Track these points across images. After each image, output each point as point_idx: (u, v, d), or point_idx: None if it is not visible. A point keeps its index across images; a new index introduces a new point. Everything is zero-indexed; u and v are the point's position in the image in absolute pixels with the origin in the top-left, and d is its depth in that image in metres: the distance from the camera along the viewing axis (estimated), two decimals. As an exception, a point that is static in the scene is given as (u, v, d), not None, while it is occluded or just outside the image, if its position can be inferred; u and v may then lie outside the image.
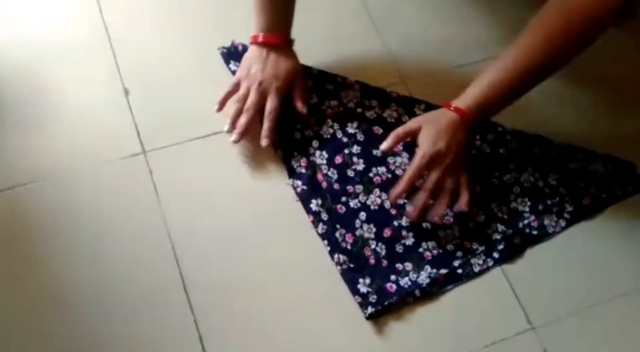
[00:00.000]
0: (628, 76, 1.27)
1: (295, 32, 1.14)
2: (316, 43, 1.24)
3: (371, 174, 1.13)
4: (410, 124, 1.07)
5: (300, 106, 1.14)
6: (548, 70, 1.04)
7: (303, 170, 1.12)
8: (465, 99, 1.04)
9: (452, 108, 1.04)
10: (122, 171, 1.11)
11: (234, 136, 1.11)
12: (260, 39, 1.12)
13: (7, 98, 1.16)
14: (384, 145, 1.07)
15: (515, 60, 1.02)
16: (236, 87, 1.14)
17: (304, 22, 1.20)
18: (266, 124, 1.11)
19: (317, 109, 1.17)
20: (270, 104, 1.11)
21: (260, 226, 1.09)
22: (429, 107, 1.18)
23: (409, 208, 1.07)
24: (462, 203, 1.05)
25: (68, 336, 0.99)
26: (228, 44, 1.22)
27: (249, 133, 1.12)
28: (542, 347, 1.02)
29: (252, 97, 1.11)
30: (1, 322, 0.99)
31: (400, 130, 1.07)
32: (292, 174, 1.12)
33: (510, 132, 1.17)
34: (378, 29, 1.28)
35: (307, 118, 1.15)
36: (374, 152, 1.14)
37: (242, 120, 1.11)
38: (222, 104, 1.14)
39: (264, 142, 1.11)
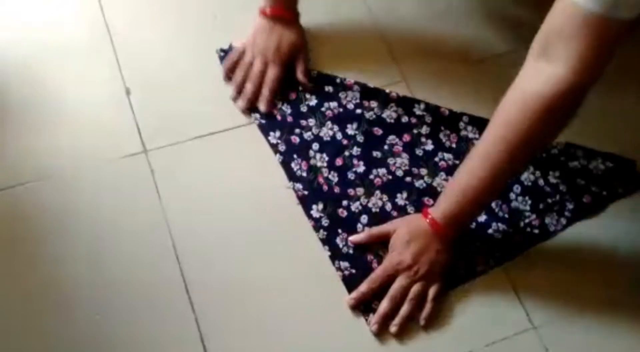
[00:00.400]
0: (628, 73, 1.26)
1: None
2: (315, 42, 1.24)
3: (372, 176, 1.13)
4: (387, 226, 1.07)
5: (301, 77, 1.19)
6: (518, 167, 1.02)
7: (304, 174, 1.12)
8: (441, 211, 1.01)
9: (428, 219, 1.02)
10: (123, 170, 1.11)
11: (240, 102, 1.17)
12: (267, 12, 1.17)
13: (8, 97, 1.17)
14: (354, 238, 1.07)
15: (483, 170, 0.96)
16: (241, 54, 1.19)
17: (303, 21, 1.22)
18: (265, 91, 1.17)
19: (316, 111, 1.18)
20: (270, 74, 1.17)
21: (262, 226, 1.09)
22: (428, 107, 1.18)
23: (374, 318, 1.02)
24: (422, 316, 1.02)
25: (68, 335, 0.99)
26: (226, 46, 1.23)
27: (255, 101, 1.17)
28: (543, 347, 1.02)
29: (255, 66, 1.17)
30: (1, 322, 1.00)
31: (375, 230, 1.07)
32: (292, 177, 1.12)
33: (511, 131, 1.17)
34: (379, 27, 1.28)
35: (306, 86, 1.19)
36: (374, 153, 1.15)
37: (248, 87, 1.17)
38: (228, 72, 1.19)
39: (262, 107, 1.16)
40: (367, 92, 1.19)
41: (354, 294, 1.02)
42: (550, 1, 0.87)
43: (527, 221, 1.11)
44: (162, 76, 1.20)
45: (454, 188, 1.01)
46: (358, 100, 1.19)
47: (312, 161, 1.13)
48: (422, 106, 1.19)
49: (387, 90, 1.20)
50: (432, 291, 1.03)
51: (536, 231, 1.10)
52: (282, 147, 1.14)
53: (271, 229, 1.09)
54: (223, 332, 1.01)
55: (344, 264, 1.06)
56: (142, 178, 1.11)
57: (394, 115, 1.18)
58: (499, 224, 1.10)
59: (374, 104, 1.19)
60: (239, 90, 1.18)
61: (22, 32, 1.23)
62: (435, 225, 1.01)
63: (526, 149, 0.94)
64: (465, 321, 1.04)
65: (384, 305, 1.02)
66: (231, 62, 1.19)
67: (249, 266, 1.06)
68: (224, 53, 1.22)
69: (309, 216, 1.09)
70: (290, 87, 1.19)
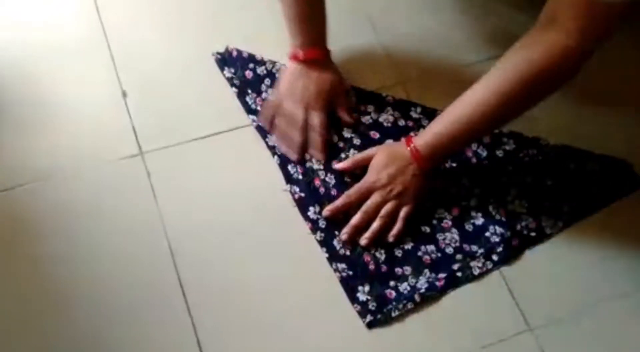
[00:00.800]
0: (623, 76, 1.28)
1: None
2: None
3: (368, 179, 1.14)
4: (369, 151, 1.12)
5: (345, 117, 1.17)
6: (509, 115, 1.05)
7: (300, 177, 1.13)
8: (424, 140, 1.07)
9: (410, 146, 1.07)
10: (120, 172, 1.12)
11: (293, 155, 1.14)
12: (300, 56, 1.13)
13: (4, 99, 1.17)
14: (339, 165, 1.13)
15: (471, 110, 1.02)
16: (277, 103, 1.15)
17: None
18: (317, 138, 1.14)
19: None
20: (317, 120, 1.14)
21: (258, 228, 1.09)
22: (425, 110, 1.19)
23: (345, 228, 1.09)
24: (391, 233, 1.08)
25: (65, 337, 1.00)
26: (222, 49, 1.23)
27: (305, 148, 1.15)
28: (539, 348, 1.03)
29: (299, 116, 1.13)
30: (-1, 322, 1.01)
31: (358, 156, 1.13)
32: (289, 179, 1.13)
33: (507, 134, 1.18)
34: (375, 29, 1.29)
35: (350, 123, 1.17)
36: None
37: (296, 139, 1.14)
38: (268, 121, 1.15)
39: (319, 157, 1.14)
40: (364, 97, 1.20)
41: (330, 206, 1.09)
42: (543, 3, 0.92)
43: (524, 223, 1.11)
44: (159, 78, 1.20)
45: (442, 121, 1.06)
46: (354, 105, 1.19)
47: (308, 164, 1.14)
48: (419, 109, 1.19)
49: (384, 94, 1.20)
50: (403, 211, 1.09)
51: (533, 234, 1.11)
52: (278, 150, 1.14)
53: (268, 231, 1.09)
54: (219, 334, 1.01)
55: (342, 266, 1.06)
56: (139, 180, 1.11)
57: (391, 119, 1.19)
58: (496, 227, 1.11)
59: (370, 107, 1.19)
60: (284, 140, 1.15)
61: (19, 33, 1.23)
62: (415, 152, 1.07)
63: (521, 106, 1.02)
64: (462, 322, 1.04)
65: (356, 217, 1.09)
66: (269, 110, 1.16)
67: (246, 268, 1.06)
68: (220, 56, 1.22)
69: (306, 218, 1.10)
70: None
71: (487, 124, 1.05)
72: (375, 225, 1.08)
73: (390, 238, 1.08)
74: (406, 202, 1.09)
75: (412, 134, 1.10)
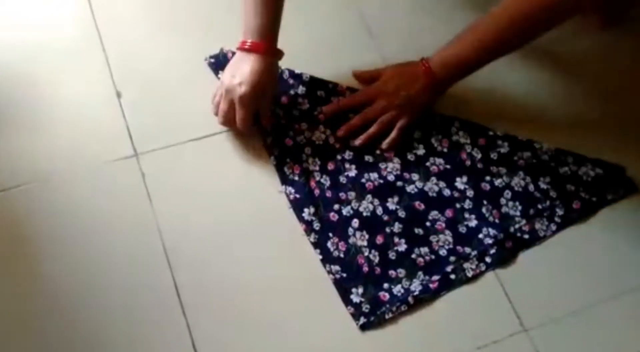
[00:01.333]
0: (618, 79, 1.29)
1: (289, 37, 1.15)
2: (308, 48, 1.25)
3: (363, 180, 1.14)
4: (380, 69, 1.19)
5: (264, 123, 1.15)
6: (522, 40, 1.10)
7: (296, 178, 1.13)
8: (438, 59, 1.11)
9: (424, 67, 1.12)
10: (115, 174, 1.12)
11: (222, 122, 1.14)
12: (246, 46, 1.10)
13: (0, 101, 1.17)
14: (357, 72, 1.20)
15: (484, 35, 1.07)
16: (220, 86, 1.13)
17: (297, 27, 1.22)
18: (241, 112, 1.10)
19: (309, 116, 1.19)
20: (237, 116, 1.11)
21: (253, 229, 1.10)
22: (420, 112, 1.20)
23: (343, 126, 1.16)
24: (385, 141, 1.14)
25: (60, 337, 1.00)
26: (216, 51, 1.23)
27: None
28: (534, 349, 1.03)
29: (221, 106, 1.12)
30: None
31: (367, 72, 1.20)
32: (285, 181, 1.13)
33: (501, 136, 1.19)
34: (371, 33, 1.29)
35: (266, 131, 1.16)
36: (366, 158, 1.16)
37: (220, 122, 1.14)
38: (217, 107, 1.14)
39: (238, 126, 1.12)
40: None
41: (333, 103, 1.17)
42: None
43: (517, 226, 1.12)
44: (154, 79, 1.21)
45: (454, 44, 1.10)
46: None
47: (304, 165, 1.14)
48: None
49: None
50: (401, 121, 1.14)
51: (526, 236, 1.12)
52: (275, 151, 1.15)
53: (263, 233, 1.10)
54: (214, 334, 1.01)
55: (335, 268, 1.07)
56: (133, 182, 1.11)
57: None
58: (490, 229, 1.12)
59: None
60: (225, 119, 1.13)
61: (14, 35, 1.23)
62: (427, 68, 1.11)
63: (531, 27, 1.06)
64: (457, 323, 1.05)
65: (355, 119, 1.15)
66: (215, 97, 1.15)
67: (240, 269, 1.07)
68: (213, 59, 1.22)
69: (301, 219, 1.10)
70: (282, 92, 1.20)
71: (501, 46, 1.09)
72: (372, 129, 1.14)
73: (384, 145, 1.14)
74: (405, 114, 1.14)
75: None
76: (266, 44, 1.10)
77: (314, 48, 1.26)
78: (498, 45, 1.08)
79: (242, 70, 1.09)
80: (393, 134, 1.14)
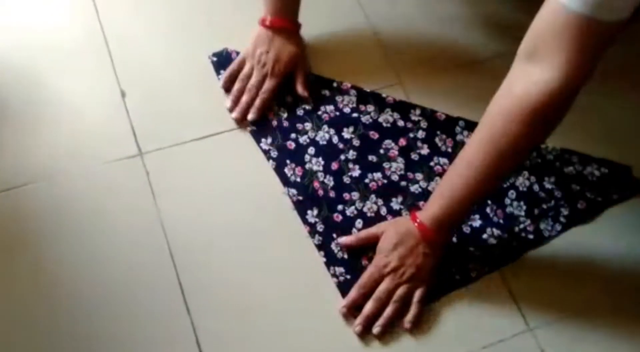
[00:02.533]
0: (622, 78, 1.29)
1: None
2: (312, 46, 1.26)
3: (367, 180, 1.15)
4: (375, 229, 1.09)
5: (300, 90, 1.20)
6: (505, 173, 1.01)
7: (298, 179, 1.14)
8: (429, 214, 1.03)
9: (416, 223, 1.04)
10: (119, 173, 1.13)
11: (234, 114, 1.19)
12: (267, 22, 1.19)
13: (4, 100, 1.18)
14: (343, 240, 1.10)
15: (471, 171, 0.97)
16: (241, 65, 1.21)
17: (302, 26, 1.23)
18: (257, 102, 1.18)
19: (313, 115, 1.20)
20: (266, 85, 1.19)
21: (258, 230, 1.10)
22: (424, 111, 1.21)
23: (358, 319, 1.04)
24: (407, 319, 1.04)
25: (64, 336, 1.01)
26: (219, 49, 1.25)
27: (249, 112, 1.18)
28: (539, 349, 1.04)
29: (254, 78, 1.19)
30: (-1, 322, 1.01)
31: (363, 233, 1.09)
32: (287, 182, 1.14)
33: (506, 136, 1.20)
34: (375, 29, 1.30)
35: (307, 99, 1.21)
36: (370, 158, 1.17)
37: (244, 98, 1.19)
38: (227, 82, 1.21)
39: (250, 115, 1.18)
40: (363, 97, 1.22)
41: (345, 301, 1.05)
42: (542, 3, 0.88)
43: (521, 226, 1.13)
44: (158, 78, 1.22)
45: (442, 192, 1.02)
46: (354, 105, 1.21)
47: (307, 166, 1.15)
48: (418, 111, 1.21)
49: (384, 95, 1.22)
50: (417, 294, 1.04)
51: (531, 236, 1.12)
52: (274, 154, 1.16)
53: (267, 233, 1.10)
54: (218, 334, 1.02)
55: (339, 270, 1.08)
56: (138, 181, 1.12)
57: (390, 119, 1.20)
58: (494, 229, 1.12)
59: (370, 108, 1.21)
60: (236, 101, 1.19)
61: (19, 35, 1.25)
62: (423, 229, 1.03)
63: (512, 155, 0.94)
64: (462, 323, 1.05)
65: (368, 306, 1.04)
66: (231, 72, 1.21)
67: (245, 270, 1.07)
68: (216, 58, 1.24)
69: (305, 221, 1.11)
70: (286, 91, 1.21)
71: (485, 184, 0.98)
72: (389, 311, 1.03)
73: (407, 325, 1.04)
74: (419, 284, 1.05)
75: (416, 211, 1.06)
76: (287, 20, 1.19)
77: (317, 46, 1.27)
78: (482, 183, 0.98)
79: (274, 43, 1.19)
80: (414, 310, 1.04)
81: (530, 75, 0.88)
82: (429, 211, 1.03)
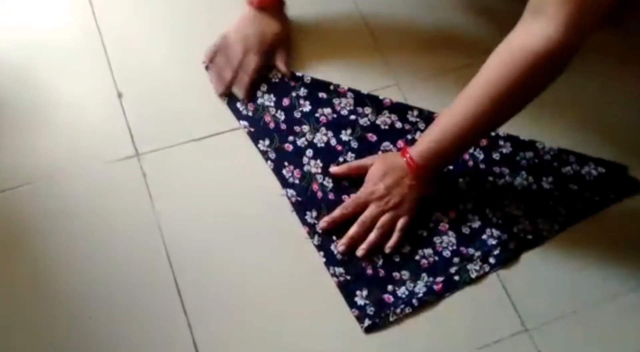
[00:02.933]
0: (618, 79, 1.30)
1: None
2: (309, 48, 1.27)
3: (366, 182, 1.16)
4: (365, 160, 1.15)
5: (281, 66, 1.23)
6: (500, 119, 1.05)
7: (297, 181, 1.15)
8: (419, 150, 1.08)
9: (406, 157, 1.09)
10: (116, 174, 1.13)
11: (218, 87, 1.21)
12: (254, 2, 1.21)
13: (1, 100, 1.19)
14: (334, 169, 1.16)
15: (464, 113, 1.02)
16: (224, 41, 1.23)
17: (296, 27, 1.25)
18: (244, 77, 1.20)
19: (310, 117, 1.20)
20: (250, 61, 1.20)
21: (256, 231, 1.11)
22: (422, 113, 1.22)
23: (342, 239, 1.11)
24: (388, 245, 1.10)
25: (60, 337, 1.01)
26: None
27: (231, 85, 1.20)
28: (536, 349, 1.04)
29: (235, 53, 1.21)
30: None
31: (354, 163, 1.16)
32: (285, 183, 1.15)
33: (503, 136, 1.20)
34: (372, 31, 1.30)
35: (286, 74, 1.23)
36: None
37: (226, 75, 1.20)
38: (210, 58, 1.23)
39: (239, 92, 1.20)
40: (361, 99, 1.22)
41: (327, 217, 1.11)
42: None
43: (520, 226, 1.13)
44: (154, 79, 1.22)
45: (435, 130, 1.06)
46: (352, 107, 1.22)
47: (305, 168, 1.16)
48: (416, 112, 1.22)
49: (381, 97, 1.22)
50: (400, 222, 1.10)
51: (530, 237, 1.13)
52: (272, 155, 1.17)
53: (265, 234, 1.11)
54: (216, 335, 1.03)
55: (339, 270, 1.08)
56: (134, 182, 1.13)
57: (388, 121, 1.21)
58: (493, 230, 1.13)
59: (367, 110, 1.22)
60: (218, 76, 1.21)
61: (16, 37, 1.25)
62: (412, 162, 1.08)
63: (506, 103, 0.99)
64: (459, 324, 1.06)
65: (353, 229, 1.10)
66: (214, 48, 1.23)
67: (242, 270, 1.08)
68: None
69: (304, 222, 1.12)
70: (283, 94, 1.22)
71: (479, 129, 1.04)
72: (372, 236, 1.10)
73: (387, 249, 1.10)
74: (403, 213, 1.10)
75: (407, 144, 1.11)
76: (276, 2, 1.22)
77: (314, 49, 1.27)
78: (476, 127, 1.03)
79: (259, 21, 1.21)
80: (395, 237, 1.10)
81: (532, 29, 0.94)
82: (419, 147, 1.08)
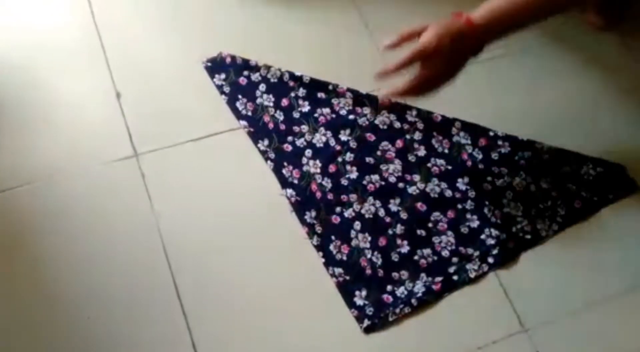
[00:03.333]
0: (616, 80, 1.30)
1: (288, 40, 1.16)
2: (308, 49, 1.28)
3: (365, 182, 1.16)
4: (416, 25, 1.05)
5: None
6: (556, 6, 1.03)
7: (295, 181, 1.15)
8: (479, 13, 1.02)
9: (462, 19, 1.02)
10: (115, 174, 1.14)
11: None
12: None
13: (1, 101, 1.20)
14: (387, 41, 1.04)
15: None
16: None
17: (296, 29, 1.26)
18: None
19: (309, 117, 1.21)
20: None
21: (255, 231, 1.12)
22: (420, 113, 1.22)
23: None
24: (402, 88, 1.02)
25: (59, 336, 1.02)
26: (215, 53, 1.25)
27: None
28: (534, 349, 1.05)
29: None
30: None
31: (405, 30, 1.05)
32: (285, 184, 1.15)
33: (502, 136, 1.21)
34: (371, 32, 1.31)
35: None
36: (367, 159, 1.18)
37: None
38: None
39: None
40: (359, 99, 1.23)
41: (382, 68, 1.01)
42: None
43: (519, 226, 1.14)
44: (153, 80, 1.23)
45: (492, 3, 1.01)
46: (351, 107, 1.22)
47: (304, 168, 1.17)
48: (415, 112, 1.22)
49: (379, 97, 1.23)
50: (438, 80, 1.02)
51: (528, 236, 1.13)
52: (271, 155, 1.17)
53: (264, 234, 1.12)
54: (214, 335, 1.03)
55: (338, 270, 1.09)
56: (133, 182, 1.13)
57: (387, 121, 1.21)
58: (492, 230, 1.13)
59: (366, 110, 1.22)
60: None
61: (17, 38, 1.26)
62: (469, 24, 1.01)
63: None
64: (457, 324, 1.06)
65: (393, 64, 1.00)
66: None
67: (241, 270, 1.08)
68: (210, 63, 1.25)
69: (303, 222, 1.12)
70: (282, 94, 1.23)
71: (535, 10, 1.01)
72: (411, 81, 1.02)
73: (399, 89, 1.02)
74: (445, 73, 1.03)
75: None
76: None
77: (313, 49, 1.28)
78: (531, 16, 1.02)
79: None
80: (413, 81, 1.02)
81: None
82: (477, 12, 1.01)
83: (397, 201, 1.15)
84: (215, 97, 1.22)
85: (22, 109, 1.19)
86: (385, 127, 1.21)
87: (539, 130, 1.22)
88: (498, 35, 1.04)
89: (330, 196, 1.15)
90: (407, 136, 1.21)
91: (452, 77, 1.03)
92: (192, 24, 1.29)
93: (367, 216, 1.14)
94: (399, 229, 1.13)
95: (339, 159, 1.18)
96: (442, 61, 1.01)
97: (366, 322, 1.05)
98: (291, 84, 1.24)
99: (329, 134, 1.20)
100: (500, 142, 1.20)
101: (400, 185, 1.17)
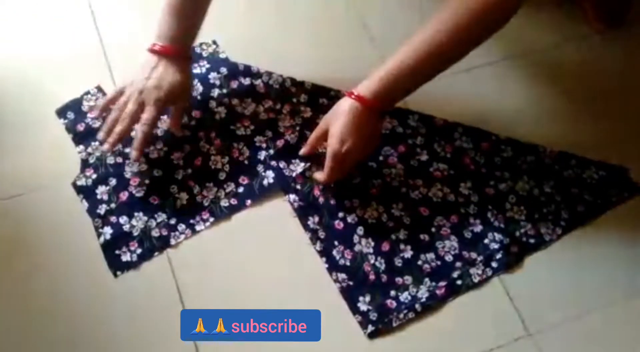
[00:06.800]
0: (620, 81, 1.31)
1: (289, 43, 1.17)
2: (310, 54, 1.29)
3: (367, 187, 1.17)
4: (319, 127, 1.11)
5: (172, 125, 1.15)
6: (454, 56, 1.05)
7: (299, 186, 1.16)
8: (370, 86, 1.04)
9: (354, 96, 1.04)
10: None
11: (105, 145, 1.10)
12: (155, 48, 1.10)
13: (2, 107, 1.21)
14: (302, 151, 1.15)
15: (419, 46, 1.02)
16: (119, 93, 1.12)
17: (298, 32, 1.27)
18: (138, 135, 1.09)
19: (311, 124, 1.21)
20: (145, 115, 1.09)
21: (258, 236, 1.12)
22: (422, 117, 1.23)
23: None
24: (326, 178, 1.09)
25: (61, 339, 1.03)
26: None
27: (119, 142, 1.10)
28: (539, 354, 1.06)
29: (129, 107, 1.09)
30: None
31: (312, 136, 1.13)
32: (288, 189, 1.16)
33: (505, 141, 1.22)
34: (373, 38, 1.32)
35: (177, 132, 1.16)
36: (370, 164, 1.18)
37: (117, 129, 1.09)
38: (102, 110, 1.13)
39: (132, 154, 1.10)
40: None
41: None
42: (539, 8, 0.92)
43: (522, 230, 1.15)
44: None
45: (387, 68, 1.04)
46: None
47: (307, 173, 1.17)
48: (416, 117, 1.23)
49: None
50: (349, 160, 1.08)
51: (532, 241, 1.14)
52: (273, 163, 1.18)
53: (268, 239, 1.12)
54: (218, 343, 1.03)
55: (342, 276, 1.10)
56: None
57: (389, 126, 1.22)
58: (495, 234, 1.14)
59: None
60: (108, 132, 1.10)
61: (21, 46, 1.28)
62: (362, 100, 1.04)
63: (457, 49, 1.03)
64: (461, 329, 1.07)
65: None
66: (106, 102, 1.13)
67: (245, 276, 1.09)
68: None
69: (306, 228, 1.13)
70: (284, 101, 1.23)
71: (438, 57, 1.03)
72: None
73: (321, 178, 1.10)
74: (360, 155, 1.09)
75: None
76: (176, 48, 1.11)
77: (315, 55, 1.29)
78: (422, 75, 1.06)
79: (157, 70, 1.09)
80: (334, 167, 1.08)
81: None
82: (371, 81, 1.04)
83: (400, 205, 1.16)
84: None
85: (24, 117, 1.20)
86: (387, 132, 1.22)
87: (541, 133, 1.23)
88: (396, 101, 1.09)
89: (332, 202, 1.15)
90: (409, 141, 1.22)
91: (370, 150, 1.12)
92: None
93: (370, 220, 1.14)
94: (402, 234, 1.14)
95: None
96: (356, 150, 1.06)
97: (370, 328, 1.06)
98: (293, 90, 1.25)
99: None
100: (502, 146, 1.21)
101: (403, 190, 1.17)
